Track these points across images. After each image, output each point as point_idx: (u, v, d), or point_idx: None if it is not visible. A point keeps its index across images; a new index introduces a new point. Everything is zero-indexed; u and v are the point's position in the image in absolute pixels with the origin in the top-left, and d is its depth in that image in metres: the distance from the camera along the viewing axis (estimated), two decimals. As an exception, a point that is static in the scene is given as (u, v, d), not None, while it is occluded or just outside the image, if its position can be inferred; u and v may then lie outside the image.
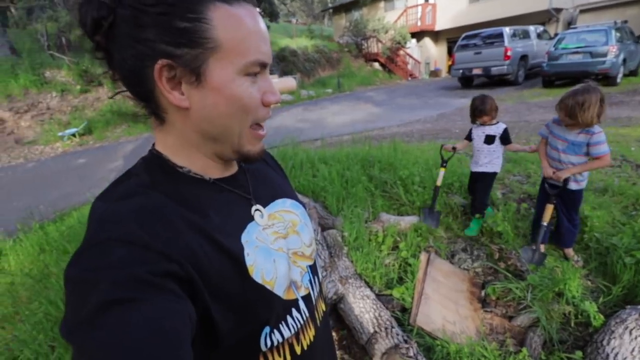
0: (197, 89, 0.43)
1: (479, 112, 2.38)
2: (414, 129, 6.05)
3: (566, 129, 1.96)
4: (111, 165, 5.98)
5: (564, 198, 2.09)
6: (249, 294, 0.46)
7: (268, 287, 0.48)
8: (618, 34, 8.12)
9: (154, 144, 0.51)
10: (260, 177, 0.59)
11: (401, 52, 15.76)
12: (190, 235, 0.42)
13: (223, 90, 0.43)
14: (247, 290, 0.45)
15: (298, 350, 0.52)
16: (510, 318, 1.84)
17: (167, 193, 0.45)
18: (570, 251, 2.19)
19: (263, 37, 0.45)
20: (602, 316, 1.67)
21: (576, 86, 1.89)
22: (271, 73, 0.49)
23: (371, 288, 1.97)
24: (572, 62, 8.27)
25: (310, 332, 0.55)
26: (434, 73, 16.26)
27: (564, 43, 8.53)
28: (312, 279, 0.58)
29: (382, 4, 17.65)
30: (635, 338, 1.49)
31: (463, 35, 10.50)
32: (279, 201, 0.59)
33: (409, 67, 15.99)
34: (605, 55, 7.84)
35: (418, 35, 16.30)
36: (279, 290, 0.50)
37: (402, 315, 1.81)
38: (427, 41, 16.84)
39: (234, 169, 0.55)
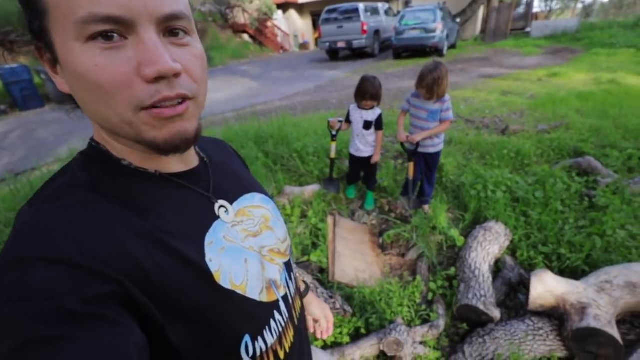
0: (62, 69, 0.36)
1: (370, 96, 2.33)
2: (296, 102, 6.21)
3: (425, 100, 2.28)
4: None
5: (426, 160, 2.44)
6: (218, 304, 0.40)
7: (239, 292, 0.43)
8: (442, 14, 10.00)
9: (93, 135, 0.42)
10: (225, 170, 0.53)
11: (269, 23, 15.52)
12: (135, 244, 0.35)
13: (68, 66, 0.34)
14: (216, 299, 0.40)
15: (282, 354, 0.48)
16: (403, 255, 2.23)
17: (109, 193, 0.38)
18: (426, 207, 2.49)
19: None
20: (462, 238, 2.20)
21: (427, 65, 2.19)
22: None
23: (289, 259, 2.05)
24: (412, 37, 9.81)
25: (291, 334, 0.51)
26: (303, 46, 16.76)
27: (405, 20, 10.00)
28: (287, 277, 0.55)
29: (241, -30, 16.74)
30: (485, 248, 2.03)
31: (325, 9, 11.03)
32: (248, 196, 0.54)
33: (279, 39, 15.98)
34: (434, 31, 9.59)
35: (283, 7, 16.31)
36: (253, 294, 0.45)
37: (322, 276, 1.97)
38: (293, 13, 17.07)
39: (192, 162, 0.48)
